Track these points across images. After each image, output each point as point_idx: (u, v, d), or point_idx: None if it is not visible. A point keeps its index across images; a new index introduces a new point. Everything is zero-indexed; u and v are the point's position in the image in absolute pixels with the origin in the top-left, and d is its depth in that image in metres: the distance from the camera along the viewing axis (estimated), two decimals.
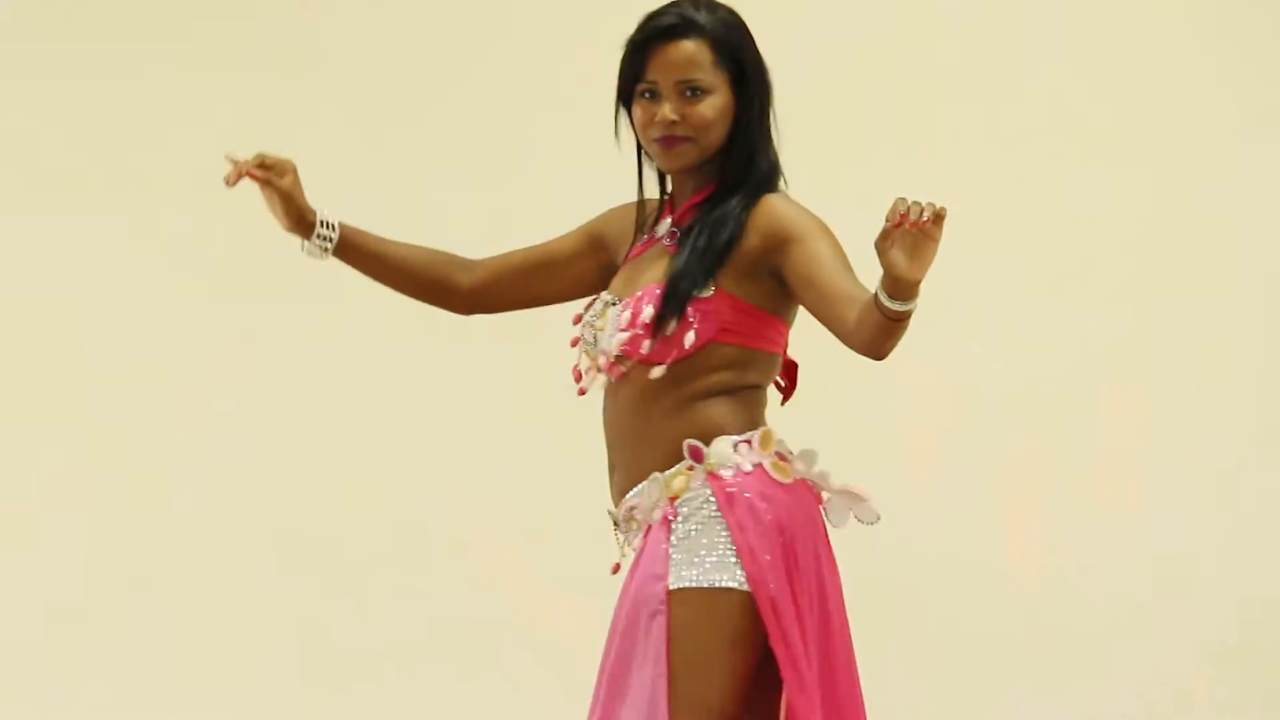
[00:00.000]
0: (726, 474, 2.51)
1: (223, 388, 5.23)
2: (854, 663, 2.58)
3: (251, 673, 5.19)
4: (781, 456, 2.54)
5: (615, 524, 2.62)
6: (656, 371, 2.50)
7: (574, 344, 2.64)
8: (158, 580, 5.20)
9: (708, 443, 2.52)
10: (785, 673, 2.44)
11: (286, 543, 5.20)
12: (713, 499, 2.50)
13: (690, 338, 2.50)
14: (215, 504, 5.20)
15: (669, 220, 2.62)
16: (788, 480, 2.52)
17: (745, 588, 2.46)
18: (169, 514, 5.21)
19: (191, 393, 5.24)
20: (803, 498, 2.54)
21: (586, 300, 2.68)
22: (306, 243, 2.67)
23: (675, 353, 2.50)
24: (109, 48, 5.24)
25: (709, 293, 2.51)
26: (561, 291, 2.76)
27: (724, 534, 2.49)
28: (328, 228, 2.66)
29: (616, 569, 2.63)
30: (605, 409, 2.62)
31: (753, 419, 2.56)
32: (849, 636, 2.57)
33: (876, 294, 2.30)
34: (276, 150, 2.74)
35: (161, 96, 5.25)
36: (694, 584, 2.47)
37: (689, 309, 2.50)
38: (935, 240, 2.27)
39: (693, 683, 2.45)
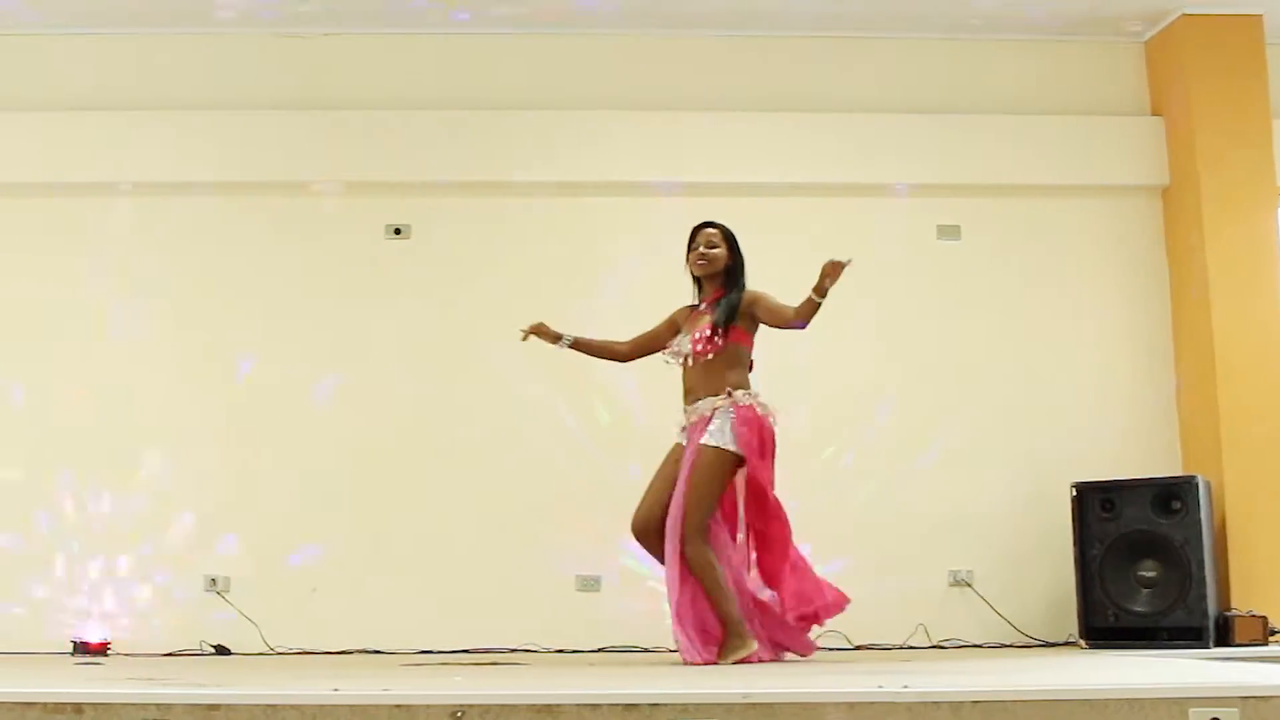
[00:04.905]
0: (743, 402, 6.04)
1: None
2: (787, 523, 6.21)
3: None
4: (759, 400, 6.14)
5: (686, 417, 6.27)
6: (713, 356, 6.15)
7: (670, 353, 6.46)
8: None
9: (732, 390, 6.09)
10: (758, 493, 6.11)
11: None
12: (733, 411, 6.06)
13: (722, 341, 6.19)
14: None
15: (704, 304, 6.40)
16: (761, 413, 6.09)
17: (737, 451, 6.06)
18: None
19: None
20: (764, 420, 6.10)
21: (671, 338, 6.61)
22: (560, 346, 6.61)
23: (715, 348, 6.17)
24: None
25: (728, 323, 6.22)
26: (661, 346, 6.45)
27: (732, 428, 6.01)
28: (565, 341, 6.50)
29: (682, 436, 6.29)
30: (684, 375, 6.27)
31: (747, 379, 6.17)
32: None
33: (810, 297, 5.82)
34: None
35: None
36: (714, 444, 6.07)
37: (722, 330, 6.19)
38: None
39: (700, 488, 5.97)
